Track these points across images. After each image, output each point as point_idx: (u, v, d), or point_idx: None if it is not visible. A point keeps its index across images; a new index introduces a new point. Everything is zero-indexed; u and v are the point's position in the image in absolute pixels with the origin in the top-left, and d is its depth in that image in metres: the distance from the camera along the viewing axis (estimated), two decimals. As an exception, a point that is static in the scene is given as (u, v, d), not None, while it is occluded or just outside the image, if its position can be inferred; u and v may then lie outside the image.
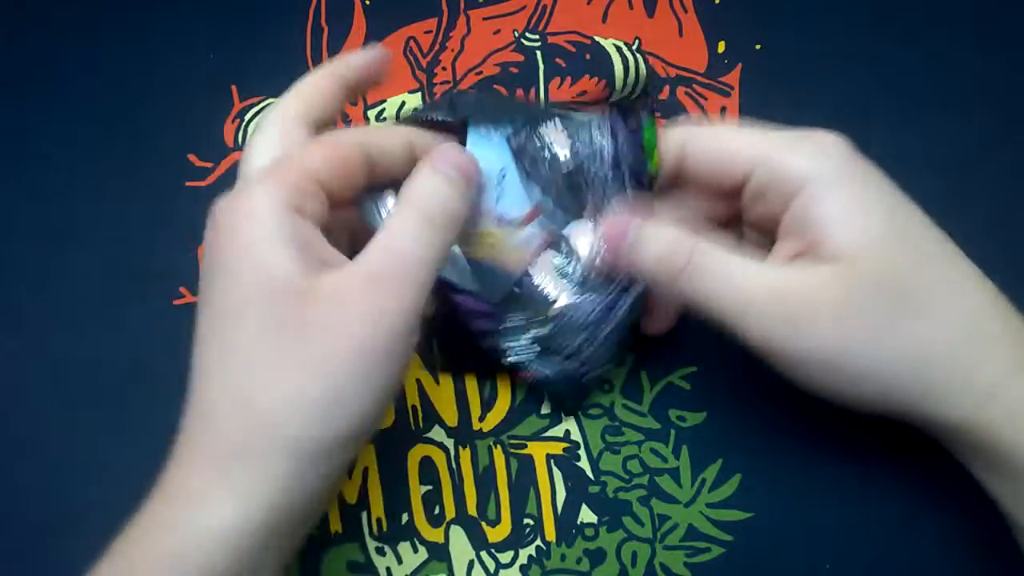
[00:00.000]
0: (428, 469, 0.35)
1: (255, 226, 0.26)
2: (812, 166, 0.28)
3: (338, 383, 0.25)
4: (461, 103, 0.32)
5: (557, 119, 0.32)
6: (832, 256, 0.27)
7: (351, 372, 0.25)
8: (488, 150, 0.31)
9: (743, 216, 0.31)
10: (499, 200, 0.32)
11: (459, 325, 0.33)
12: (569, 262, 0.32)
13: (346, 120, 0.40)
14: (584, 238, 0.32)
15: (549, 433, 0.35)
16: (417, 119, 0.32)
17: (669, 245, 0.29)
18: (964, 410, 0.27)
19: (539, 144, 0.32)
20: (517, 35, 0.41)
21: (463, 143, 0.32)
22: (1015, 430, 0.26)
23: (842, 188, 0.28)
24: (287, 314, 0.25)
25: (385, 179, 0.30)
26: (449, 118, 0.32)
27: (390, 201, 0.31)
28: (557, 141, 0.32)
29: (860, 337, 0.27)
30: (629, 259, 0.30)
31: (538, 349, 0.33)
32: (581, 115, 0.32)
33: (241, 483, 0.25)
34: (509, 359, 0.33)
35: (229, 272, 0.26)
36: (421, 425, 0.36)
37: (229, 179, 0.40)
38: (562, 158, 0.32)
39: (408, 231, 0.27)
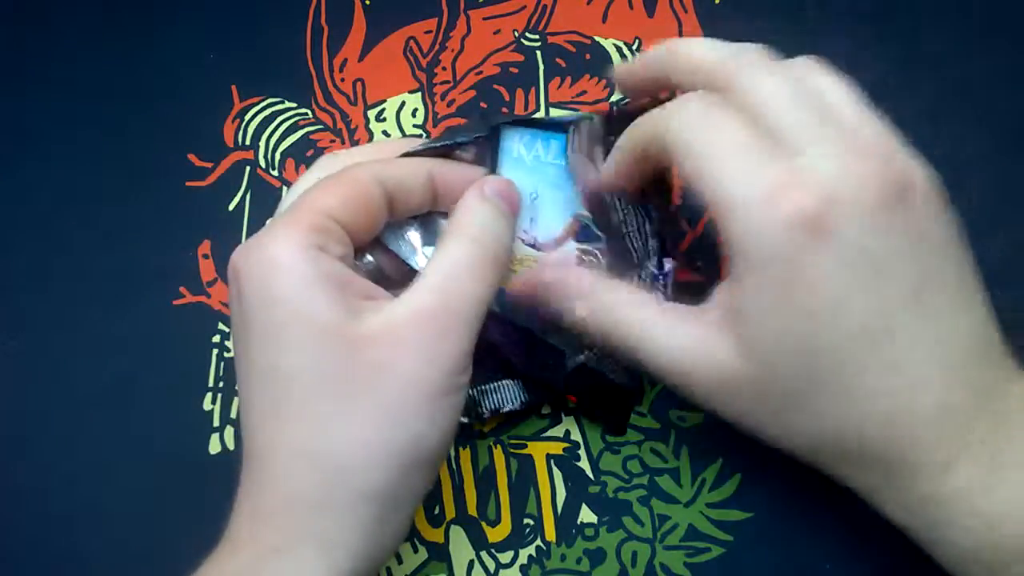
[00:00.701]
0: (428, 469, 0.35)
1: (284, 274, 0.25)
2: (749, 243, 0.24)
3: (409, 427, 0.25)
4: (491, 117, 0.31)
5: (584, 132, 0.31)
6: (735, 348, 0.25)
7: (418, 415, 0.25)
8: (520, 172, 0.31)
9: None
10: (533, 222, 0.31)
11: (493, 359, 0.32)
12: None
13: (346, 120, 0.40)
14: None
15: (549, 433, 0.35)
16: (433, 149, 0.31)
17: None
18: (892, 512, 0.26)
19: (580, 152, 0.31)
20: (517, 35, 0.41)
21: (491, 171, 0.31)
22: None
23: (764, 279, 0.24)
24: (342, 361, 0.25)
25: (406, 213, 0.30)
26: (482, 132, 0.30)
27: (411, 235, 0.30)
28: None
29: (765, 419, 0.26)
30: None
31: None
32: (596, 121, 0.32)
33: (325, 534, 0.24)
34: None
35: (267, 326, 0.25)
36: (421, 425, 0.36)
37: (229, 179, 0.40)
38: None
39: (464, 265, 0.26)
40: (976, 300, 0.25)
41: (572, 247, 0.31)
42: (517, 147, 0.31)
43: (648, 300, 0.28)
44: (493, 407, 0.33)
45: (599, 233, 0.31)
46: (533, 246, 0.31)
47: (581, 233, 0.31)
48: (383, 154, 0.30)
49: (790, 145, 0.25)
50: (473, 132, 0.30)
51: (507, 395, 0.33)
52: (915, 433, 0.24)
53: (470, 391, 0.32)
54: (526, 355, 0.32)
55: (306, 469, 0.25)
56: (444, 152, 0.31)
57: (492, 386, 0.33)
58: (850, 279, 0.24)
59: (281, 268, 0.25)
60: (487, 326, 0.28)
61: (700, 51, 0.28)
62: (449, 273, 0.26)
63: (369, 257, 0.30)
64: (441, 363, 0.25)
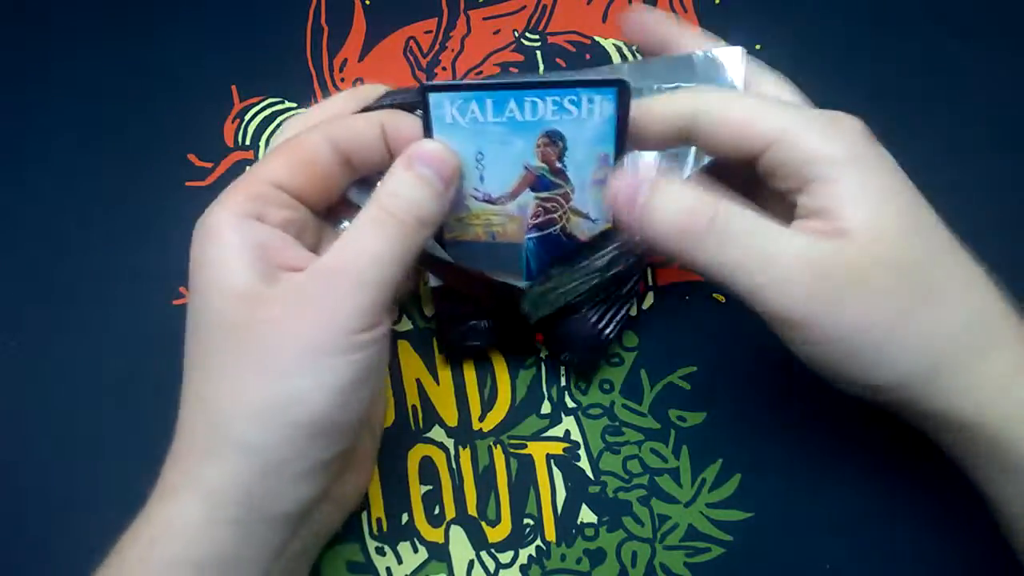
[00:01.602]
0: (428, 469, 0.35)
1: (214, 241, 0.27)
2: (831, 149, 0.27)
3: (287, 384, 0.25)
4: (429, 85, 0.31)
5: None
6: (853, 238, 0.26)
7: (300, 372, 0.25)
8: (457, 136, 0.30)
9: (756, 186, 0.30)
10: (483, 180, 0.31)
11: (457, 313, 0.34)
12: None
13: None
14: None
15: (549, 433, 0.35)
16: (383, 105, 0.31)
17: (689, 206, 0.27)
18: (973, 405, 0.27)
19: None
20: (517, 35, 0.41)
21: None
22: (1020, 429, 0.26)
23: (860, 172, 0.27)
24: (240, 319, 0.26)
25: (368, 169, 0.30)
26: (415, 99, 0.31)
27: None
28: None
29: (883, 320, 0.26)
30: (641, 222, 0.27)
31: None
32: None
33: (207, 482, 0.26)
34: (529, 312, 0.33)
35: (196, 289, 0.27)
36: (421, 425, 0.36)
37: (229, 179, 0.40)
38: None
39: (367, 228, 0.27)
40: None
41: (530, 197, 0.32)
42: (449, 112, 0.30)
43: (761, 219, 0.27)
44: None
45: (556, 180, 0.31)
46: (488, 201, 0.32)
47: (538, 183, 0.31)
48: (345, 108, 0.31)
49: None
50: (409, 97, 0.31)
51: (476, 334, 0.35)
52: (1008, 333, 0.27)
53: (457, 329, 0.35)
54: (488, 296, 0.34)
55: (199, 417, 0.27)
56: (405, 107, 0.31)
57: (462, 328, 0.35)
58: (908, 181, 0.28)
59: (211, 234, 0.27)
60: (445, 274, 0.32)
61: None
62: (348, 235, 0.27)
63: (345, 222, 0.31)
64: (329, 321, 0.26)
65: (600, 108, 0.29)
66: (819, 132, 0.27)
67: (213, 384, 0.27)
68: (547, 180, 0.31)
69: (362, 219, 0.27)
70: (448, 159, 0.29)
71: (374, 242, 0.27)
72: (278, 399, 0.25)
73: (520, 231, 0.32)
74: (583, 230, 0.32)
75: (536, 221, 0.32)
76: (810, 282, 0.26)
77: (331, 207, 0.31)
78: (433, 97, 0.30)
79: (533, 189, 0.31)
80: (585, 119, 0.30)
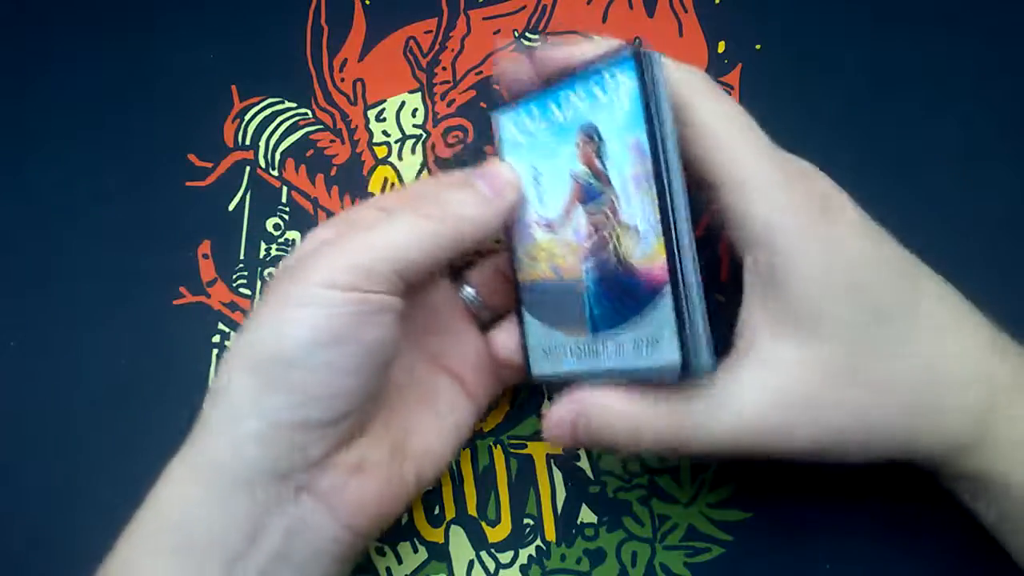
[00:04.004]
0: (428, 469, 0.35)
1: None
2: (778, 221, 0.26)
3: (259, 331, 0.27)
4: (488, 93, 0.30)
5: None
6: (795, 327, 0.26)
7: (269, 320, 0.27)
8: (518, 154, 0.29)
9: None
10: (542, 202, 0.29)
11: None
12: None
13: (346, 120, 0.40)
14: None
15: (549, 433, 0.35)
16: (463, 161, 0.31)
17: (626, 419, 0.27)
18: (942, 455, 0.27)
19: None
20: (517, 35, 0.41)
21: None
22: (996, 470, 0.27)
23: (805, 254, 0.26)
24: None
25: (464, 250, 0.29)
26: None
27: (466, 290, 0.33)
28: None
29: (837, 425, 0.27)
30: (594, 446, 0.28)
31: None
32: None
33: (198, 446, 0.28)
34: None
35: None
36: (421, 425, 0.36)
37: (229, 179, 0.40)
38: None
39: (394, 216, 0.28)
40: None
41: (580, 213, 0.28)
42: (511, 131, 0.29)
43: (671, 390, 0.27)
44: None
45: (600, 186, 0.28)
46: (550, 227, 0.29)
47: (585, 193, 0.28)
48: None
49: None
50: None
51: None
52: (971, 383, 0.27)
53: None
54: None
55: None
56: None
57: None
58: (869, 243, 0.27)
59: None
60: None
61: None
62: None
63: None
64: (302, 276, 0.27)
65: (623, 86, 0.26)
66: (771, 199, 0.26)
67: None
68: (592, 188, 0.28)
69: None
70: (504, 175, 0.30)
71: (393, 226, 0.28)
72: (252, 345, 0.27)
73: (578, 261, 0.28)
74: (635, 255, 0.27)
75: (589, 244, 0.28)
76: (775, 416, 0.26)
77: None
78: (498, 119, 0.29)
79: (582, 202, 0.28)
80: (612, 103, 0.26)
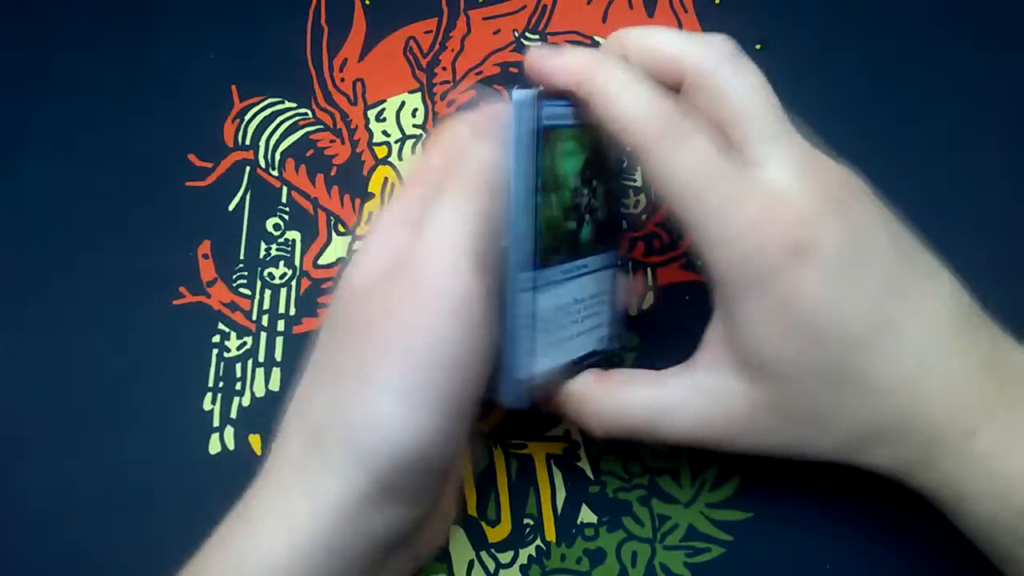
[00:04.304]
0: (428, 469, 0.35)
1: None
2: (734, 274, 0.26)
3: None
4: None
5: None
6: (743, 364, 0.27)
7: None
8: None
9: None
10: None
11: None
12: None
13: (346, 120, 0.40)
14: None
15: (549, 433, 0.35)
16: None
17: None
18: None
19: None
20: (517, 35, 0.41)
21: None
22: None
23: (757, 307, 0.26)
24: None
25: None
26: None
27: None
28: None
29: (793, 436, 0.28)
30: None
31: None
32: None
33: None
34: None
35: None
36: (421, 425, 0.36)
37: (229, 179, 0.40)
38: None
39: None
40: (944, 269, 0.27)
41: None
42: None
43: (645, 377, 0.29)
44: None
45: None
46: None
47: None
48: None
49: (751, 155, 0.26)
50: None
51: None
52: (934, 409, 0.25)
53: None
54: None
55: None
56: None
57: None
58: (836, 287, 0.25)
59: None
60: None
61: (659, 39, 0.28)
62: None
63: None
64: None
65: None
66: (731, 250, 0.26)
67: None
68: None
69: None
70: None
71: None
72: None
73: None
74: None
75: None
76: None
77: None
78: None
79: None
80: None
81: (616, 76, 0.26)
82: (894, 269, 0.26)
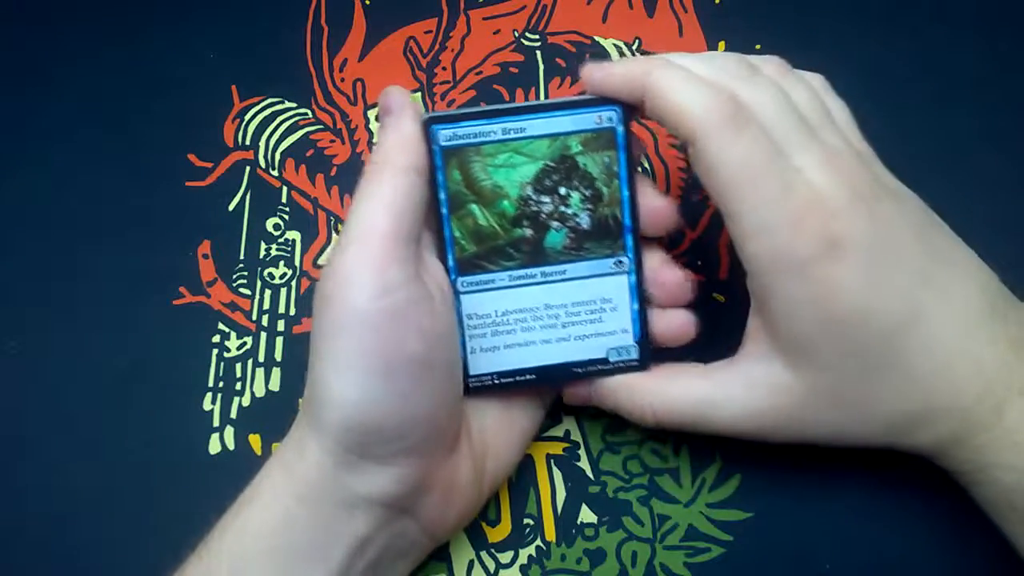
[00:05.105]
0: (428, 469, 0.35)
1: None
2: (773, 265, 0.27)
3: None
4: None
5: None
6: (784, 353, 0.28)
7: None
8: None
9: None
10: None
11: None
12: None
13: (346, 120, 0.40)
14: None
15: (549, 433, 0.35)
16: None
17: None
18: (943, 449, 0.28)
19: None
20: (517, 35, 0.41)
21: None
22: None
23: (795, 297, 0.27)
24: None
25: None
26: None
27: None
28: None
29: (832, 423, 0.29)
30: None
31: None
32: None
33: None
34: None
35: None
36: (421, 425, 0.36)
37: (229, 179, 0.40)
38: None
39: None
40: (974, 259, 0.28)
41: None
42: None
43: (694, 370, 0.31)
44: None
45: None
46: None
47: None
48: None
49: (785, 154, 0.27)
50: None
51: None
52: (966, 391, 0.27)
53: None
54: None
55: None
56: None
57: None
58: (867, 280, 0.26)
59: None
60: None
61: (692, 64, 0.28)
62: None
63: None
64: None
65: None
66: (773, 242, 0.27)
67: None
68: None
69: None
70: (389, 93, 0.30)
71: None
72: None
73: None
74: None
75: None
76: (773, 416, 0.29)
77: None
78: None
79: None
80: None
81: (676, 71, 0.27)
82: (923, 262, 0.27)
